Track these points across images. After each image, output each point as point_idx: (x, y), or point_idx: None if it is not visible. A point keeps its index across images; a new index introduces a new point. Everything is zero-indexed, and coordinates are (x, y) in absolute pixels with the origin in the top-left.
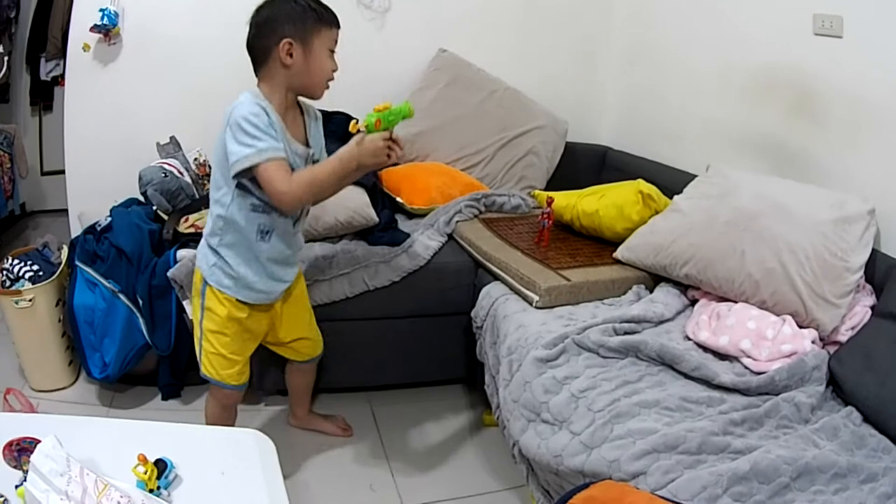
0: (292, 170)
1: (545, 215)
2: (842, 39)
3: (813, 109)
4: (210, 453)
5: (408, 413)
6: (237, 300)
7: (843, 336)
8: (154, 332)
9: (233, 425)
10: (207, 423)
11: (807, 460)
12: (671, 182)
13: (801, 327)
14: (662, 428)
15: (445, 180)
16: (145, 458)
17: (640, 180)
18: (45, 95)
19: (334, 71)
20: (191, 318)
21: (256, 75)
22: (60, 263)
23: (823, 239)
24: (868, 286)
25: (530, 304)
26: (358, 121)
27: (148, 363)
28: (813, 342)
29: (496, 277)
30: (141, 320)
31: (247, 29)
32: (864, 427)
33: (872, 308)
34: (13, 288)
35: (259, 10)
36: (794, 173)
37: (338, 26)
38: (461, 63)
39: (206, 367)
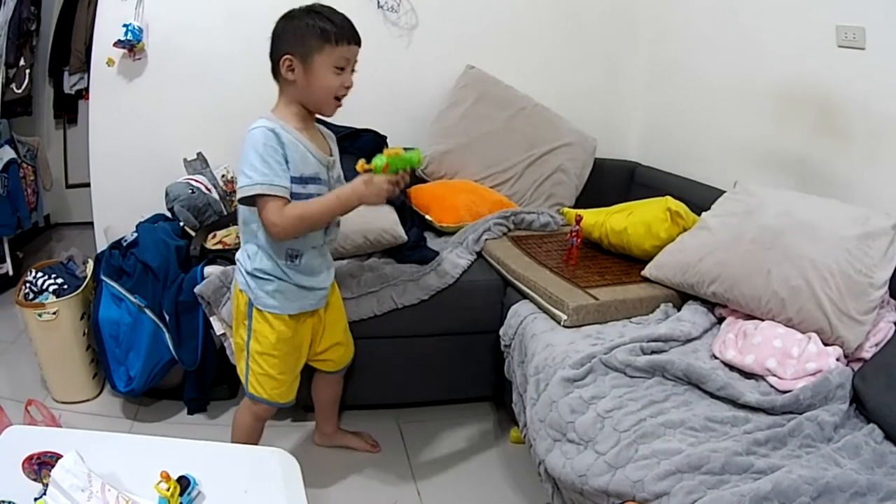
0: (318, 181)
1: (574, 233)
2: (864, 51)
3: (836, 124)
4: (234, 471)
5: (435, 431)
6: (288, 316)
7: (868, 353)
8: (180, 348)
9: (259, 438)
10: (235, 432)
11: (827, 480)
12: (700, 198)
13: (826, 345)
14: (687, 448)
15: (474, 198)
16: (168, 475)
17: (669, 197)
18: (69, 108)
19: (348, 87)
20: (218, 334)
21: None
22: (85, 277)
23: (847, 255)
24: (892, 302)
25: (558, 322)
26: (366, 161)
27: (173, 377)
28: (838, 360)
29: (524, 296)
30: (167, 335)
31: None
32: (886, 445)
33: None
34: (36, 301)
35: (276, 23)
36: (818, 189)
37: (351, 43)
38: (489, 80)
39: (255, 388)
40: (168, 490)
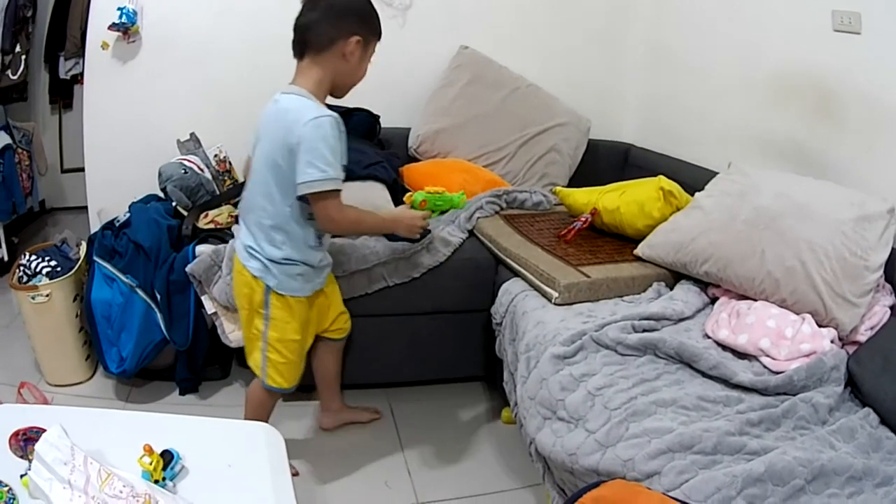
0: None
1: (584, 220)
2: (860, 36)
3: (832, 109)
4: (218, 445)
5: (426, 410)
6: (305, 298)
7: (863, 336)
8: (172, 328)
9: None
10: (249, 407)
11: (822, 462)
12: (694, 180)
13: (820, 326)
14: (678, 427)
15: (467, 177)
16: (151, 448)
17: (662, 177)
18: (64, 94)
19: None
20: (209, 313)
21: (300, 57)
22: (79, 259)
23: (843, 238)
24: (888, 286)
25: (549, 300)
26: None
27: (165, 358)
28: (832, 342)
29: (516, 274)
30: (159, 315)
31: (307, 9)
32: (881, 429)
33: (892, 308)
34: (30, 283)
35: (329, 1)
36: (814, 174)
37: None
38: (483, 60)
39: (274, 379)
40: (151, 464)
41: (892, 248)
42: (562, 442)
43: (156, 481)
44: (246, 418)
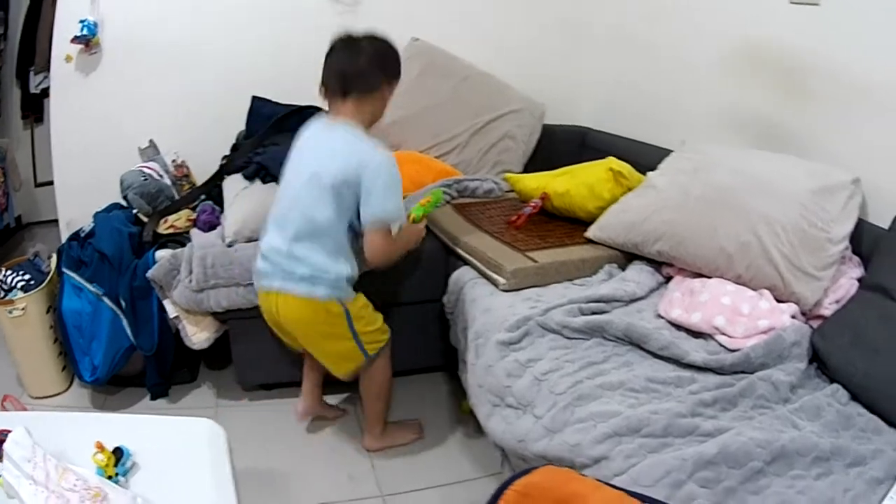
0: None
1: (534, 205)
2: (818, 7)
3: (794, 82)
4: (165, 441)
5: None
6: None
7: (828, 310)
8: (138, 333)
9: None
10: (379, 395)
11: (783, 443)
12: (654, 160)
13: (780, 302)
14: (626, 410)
15: (418, 168)
16: (102, 445)
17: (612, 158)
18: (35, 108)
19: None
20: (171, 317)
21: (344, 98)
22: (51, 272)
23: (802, 210)
24: (856, 258)
25: (497, 286)
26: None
27: (135, 364)
28: (793, 317)
29: (465, 262)
30: (125, 322)
31: (348, 52)
32: (852, 406)
33: (860, 280)
34: (6, 298)
35: (373, 42)
36: (777, 148)
37: None
38: (434, 51)
39: (374, 346)
40: (103, 460)
41: (860, 219)
42: (511, 429)
43: (109, 477)
44: (370, 407)
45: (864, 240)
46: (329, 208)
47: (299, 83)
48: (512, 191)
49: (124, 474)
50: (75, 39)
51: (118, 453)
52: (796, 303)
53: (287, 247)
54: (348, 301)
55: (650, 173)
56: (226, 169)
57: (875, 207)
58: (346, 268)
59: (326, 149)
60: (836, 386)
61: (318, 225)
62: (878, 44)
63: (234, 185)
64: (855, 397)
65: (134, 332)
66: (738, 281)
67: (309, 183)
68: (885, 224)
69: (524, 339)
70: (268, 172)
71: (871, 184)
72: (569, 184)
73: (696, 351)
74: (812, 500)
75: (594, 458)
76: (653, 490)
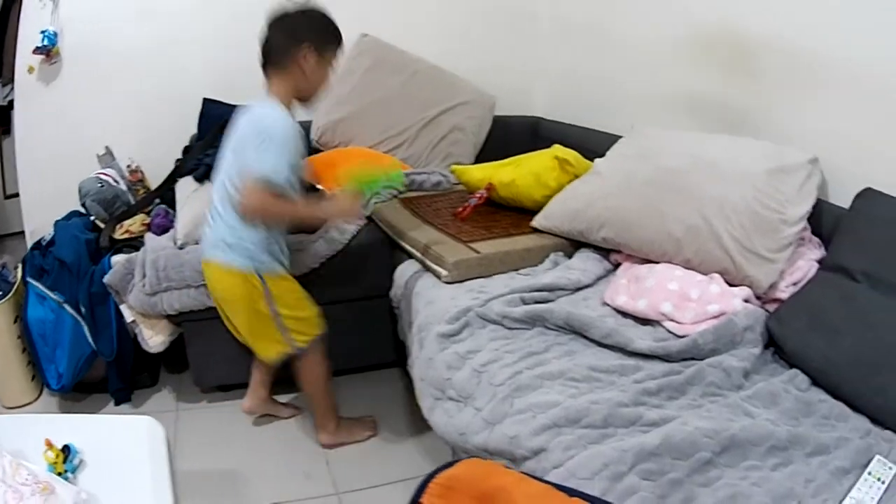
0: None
1: (479, 196)
2: None
3: (748, 64)
4: (109, 439)
5: (341, 400)
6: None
7: (784, 293)
8: (98, 339)
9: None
10: (315, 391)
11: (733, 432)
12: (605, 147)
13: (733, 286)
14: (566, 400)
15: (366, 162)
16: (51, 443)
17: (557, 146)
18: (3, 121)
19: None
20: (128, 322)
21: (268, 76)
22: (17, 282)
23: (754, 191)
24: (815, 239)
25: (439, 279)
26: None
27: (99, 370)
28: (746, 301)
29: (410, 255)
30: (85, 328)
31: (266, 29)
32: (813, 391)
33: (820, 262)
34: None
35: (284, 16)
36: (736, 132)
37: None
38: (383, 46)
39: (300, 339)
40: (53, 457)
41: (820, 200)
42: (453, 422)
43: (59, 473)
44: (316, 403)
45: (824, 220)
46: (235, 171)
47: (253, 83)
48: (459, 183)
49: (73, 471)
50: (37, 50)
51: (66, 451)
52: (749, 286)
53: (212, 211)
54: (269, 276)
55: (597, 160)
56: (178, 172)
57: (835, 188)
58: (257, 233)
59: (243, 120)
60: (794, 371)
61: (231, 189)
62: (834, 21)
63: (185, 187)
64: (816, 382)
65: (94, 339)
66: (688, 266)
67: (227, 151)
68: (845, 204)
69: (464, 331)
70: None
71: (832, 164)
72: (514, 173)
73: (641, 338)
74: (769, 491)
75: (533, 450)
76: (591, 483)
